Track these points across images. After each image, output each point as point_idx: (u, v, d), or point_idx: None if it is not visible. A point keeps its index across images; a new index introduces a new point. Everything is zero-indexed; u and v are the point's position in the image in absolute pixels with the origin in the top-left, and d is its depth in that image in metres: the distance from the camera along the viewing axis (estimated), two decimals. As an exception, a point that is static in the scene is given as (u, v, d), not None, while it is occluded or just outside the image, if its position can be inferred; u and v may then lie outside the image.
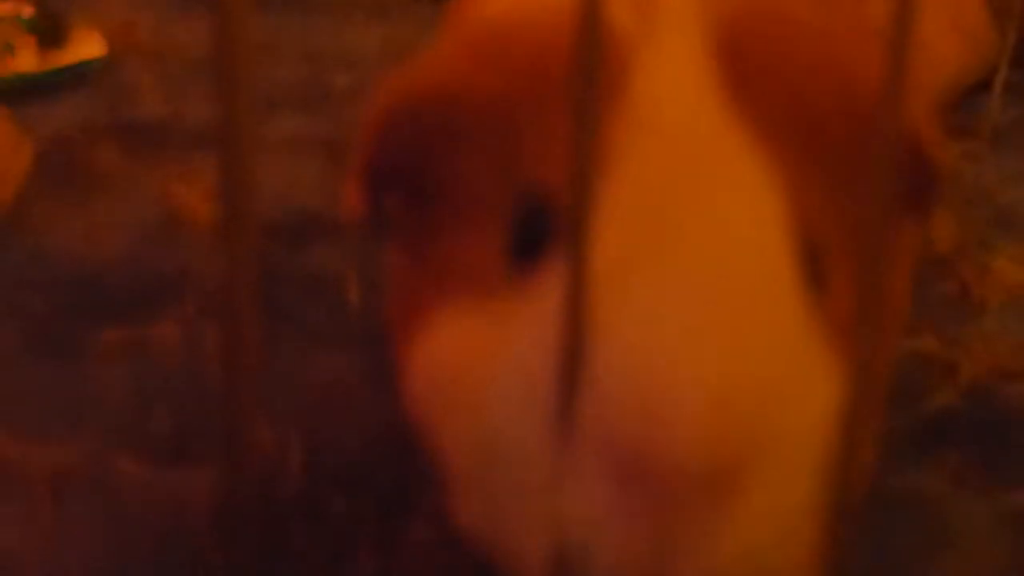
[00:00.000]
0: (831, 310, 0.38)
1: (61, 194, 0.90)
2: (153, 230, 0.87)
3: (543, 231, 0.37)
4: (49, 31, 1.16)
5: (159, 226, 0.88)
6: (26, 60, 1.13)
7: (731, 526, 0.33)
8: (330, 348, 0.74)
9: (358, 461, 0.64)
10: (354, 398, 0.69)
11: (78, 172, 0.94)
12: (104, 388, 0.68)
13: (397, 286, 0.48)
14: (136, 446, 0.64)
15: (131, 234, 0.86)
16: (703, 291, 0.34)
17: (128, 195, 0.91)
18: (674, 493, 0.32)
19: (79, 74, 1.14)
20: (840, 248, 0.40)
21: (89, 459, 0.62)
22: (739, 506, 0.33)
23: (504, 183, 0.41)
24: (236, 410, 0.24)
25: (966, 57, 1.14)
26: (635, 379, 0.32)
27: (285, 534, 0.57)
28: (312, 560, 0.57)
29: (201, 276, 0.79)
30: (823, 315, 0.38)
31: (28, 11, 1.18)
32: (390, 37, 1.29)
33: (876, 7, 0.65)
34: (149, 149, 0.99)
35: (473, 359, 0.39)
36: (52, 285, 0.79)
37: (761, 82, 0.39)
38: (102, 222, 0.87)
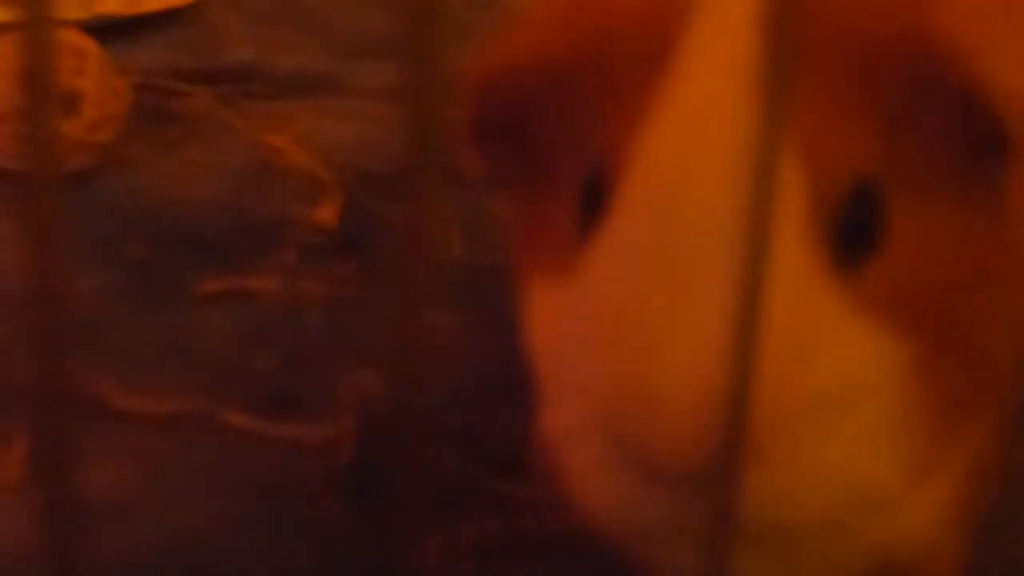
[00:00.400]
0: (889, 267, 0.38)
1: (155, 138, 0.89)
2: (247, 176, 0.87)
3: (600, 198, 0.39)
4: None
5: (253, 172, 0.87)
6: (112, 3, 1.12)
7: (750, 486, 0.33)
8: (432, 301, 0.72)
9: (470, 416, 0.63)
10: (461, 354, 0.68)
11: (170, 116, 0.93)
12: (207, 337, 0.69)
13: (516, 237, 0.48)
14: (241, 396, 0.64)
15: (226, 180, 0.85)
16: (695, 288, 0.34)
17: (220, 140, 0.91)
18: (678, 478, 0.33)
19: (168, 20, 1.13)
20: (910, 202, 0.39)
21: (196, 409, 0.63)
22: (753, 476, 0.33)
23: (580, 149, 0.42)
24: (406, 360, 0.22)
25: None
26: (622, 381, 0.33)
27: (384, 484, 0.59)
28: (423, 513, 0.56)
29: (297, 223, 0.79)
30: (871, 278, 0.37)
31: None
32: None
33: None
34: (238, 94, 0.98)
35: (556, 321, 0.40)
36: (152, 231, 0.79)
37: (826, 27, 0.38)
38: (197, 167, 0.86)
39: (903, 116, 0.38)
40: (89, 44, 0.82)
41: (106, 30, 1.06)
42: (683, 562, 0.39)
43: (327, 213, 0.81)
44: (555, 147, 0.43)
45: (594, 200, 0.39)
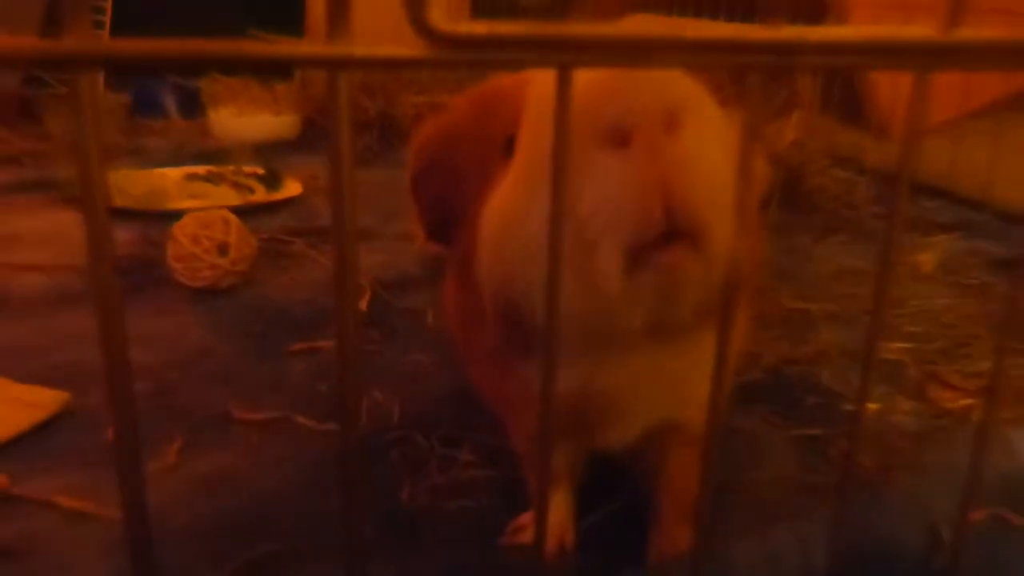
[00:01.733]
0: None
1: (273, 267, 1.06)
2: (321, 285, 1.01)
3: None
4: (271, 180, 1.37)
5: (324, 284, 1.01)
6: (259, 196, 1.34)
7: (686, 145, 0.36)
8: (416, 349, 0.84)
9: (432, 413, 0.72)
10: (429, 377, 0.79)
11: (282, 255, 1.11)
12: (292, 375, 0.79)
13: (451, 284, 0.51)
14: (309, 409, 0.72)
15: (311, 289, 1.00)
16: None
17: (308, 269, 1.07)
18: (644, 131, 0.35)
19: (287, 204, 1.34)
20: None
21: (281, 417, 0.71)
22: (687, 135, 0.36)
23: (498, 145, 0.44)
24: (347, 386, 0.29)
25: (759, 185, 1.29)
26: (600, 82, 0.36)
27: (388, 456, 0.66)
28: (402, 471, 0.64)
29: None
30: None
31: (260, 170, 1.40)
32: None
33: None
34: (321, 242, 1.15)
35: (503, 208, 0.41)
36: (268, 317, 0.92)
37: None
38: (295, 282, 1.01)
39: None
40: (232, 217, 0.97)
41: (255, 209, 1.27)
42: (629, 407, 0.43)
43: (363, 303, 0.95)
44: (474, 164, 0.46)
45: (510, 147, 0.42)
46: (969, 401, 0.77)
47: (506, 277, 0.42)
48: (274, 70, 2.09)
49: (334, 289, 0.32)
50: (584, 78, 0.33)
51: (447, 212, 0.49)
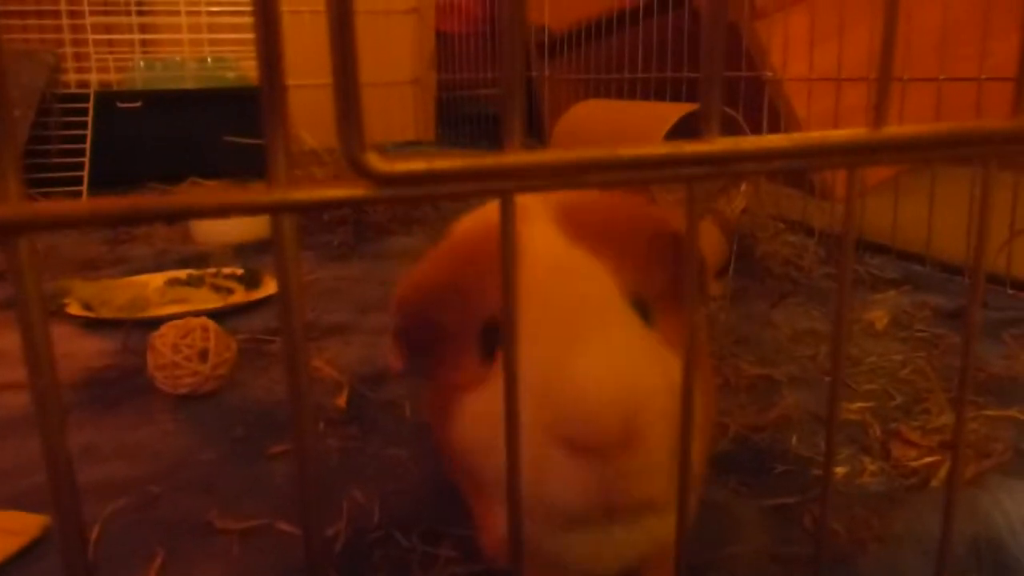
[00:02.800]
0: (661, 333, 0.43)
1: (253, 368, 1.04)
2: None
3: (496, 339, 0.43)
4: (250, 280, 1.36)
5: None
6: (238, 296, 1.32)
7: (637, 460, 0.37)
8: (395, 443, 0.82)
9: (413, 509, 0.70)
10: (409, 472, 0.76)
11: (262, 355, 1.08)
12: (273, 478, 0.76)
13: (425, 394, 0.52)
14: (290, 513, 0.69)
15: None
16: (587, 336, 0.38)
17: None
18: (601, 450, 0.36)
19: (266, 303, 1.32)
20: (655, 299, 0.45)
21: (263, 525, 0.68)
22: (640, 451, 0.37)
23: (472, 320, 0.45)
24: (308, 496, 0.31)
25: (716, 256, 1.30)
26: (565, 393, 0.36)
27: (371, 558, 0.63)
28: (385, 573, 0.61)
29: (326, 411, 0.89)
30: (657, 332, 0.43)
31: (239, 271, 1.39)
32: None
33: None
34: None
35: (477, 420, 0.43)
36: (249, 419, 0.89)
37: (587, 227, 0.44)
38: (275, 383, 0.98)
39: (651, 264, 0.45)
40: (211, 323, 0.95)
41: (235, 310, 1.25)
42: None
43: (341, 400, 0.92)
44: (455, 326, 0.46)
45: (489, 342, 0.43)
46: (932, 458, 0.75)
47: (479, 481, 0.44)
48: (251, 173, 2.08)
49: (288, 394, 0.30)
50: (549, 373, 0.36)
51: (426, 356, 0.50)
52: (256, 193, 0.28)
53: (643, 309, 0.44)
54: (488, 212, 0.50)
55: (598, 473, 0.37)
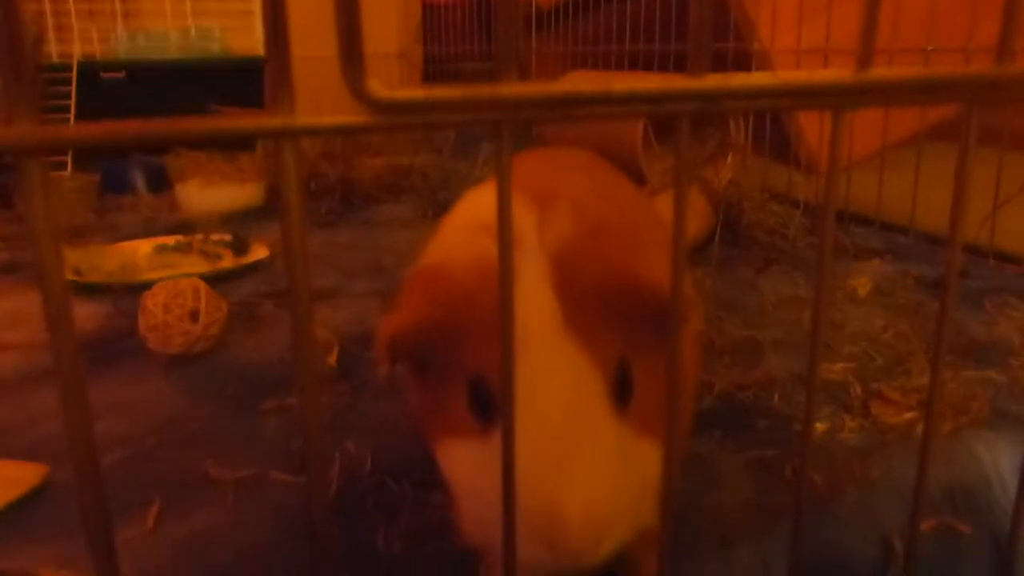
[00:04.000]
0: (640, 402, 0.43)
1: (243, 330, 1.05)
2: (291, 345, 0.99)
3: (485, 396, 0.43)
4: (238, 246, 1.36)
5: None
6: (227, 262, 1.32)
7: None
8: (386, 399, 0.84)
9: (404, 459, 0.71)
10: (399, 425, 0.78)
11: (251, 318, 1.10)
12: (265, 433, 0.78)
13: (415, 408, 0.52)
14: (283, 464, 0.71)
15: (280, 348, 0.98)
16: (571, 452, 0.39)
17: (278, 329, 1.06)
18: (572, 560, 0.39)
19: (255, 268, 1.33)
20: (642, 355, 0.44)
21: (257, 474, 0.70)
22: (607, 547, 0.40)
23: (461, 366, 0.44)
24: (311, 438, 0.32)
25: (702, 224, 1.30)
26: (545, 519, 0.38)
27: (363, 504, 0.65)
28: (377, 518, 0.63)
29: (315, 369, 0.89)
30: (634, 411, 0.43)
31: (227, 237, 1.39)
32: (411, 238, 1.47)
33: (660, 205, 0.76)
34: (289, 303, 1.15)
35: (469, 474, 0.44)
36: (239, 378, 0.90)
37: (580, 284, 0.43)
38: (265, 343, 1.00)
39: (631, 324, 0.44)
40: (202, 283, 0.96)
41: (224, 276, 1.26)
42: None
43: (332, 358, 0.94)
44: (441, 368, 0.46)
45: (477, 393, 0.43)
46: (911, 415, 0.77)
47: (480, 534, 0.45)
48: (236, 143, 2.08)
49: (293, 348, 0.31)
50: (532, 490, 0.38)
51: (415, 390, 0.50)
52: (262, 119, 0.30)
53: (625, 375, 0.44)
54: (478, 222, 0.48)
55: (568, 563, 0.40)
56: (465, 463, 0.44)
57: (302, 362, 0.32)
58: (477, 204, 0.55)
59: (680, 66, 1.62)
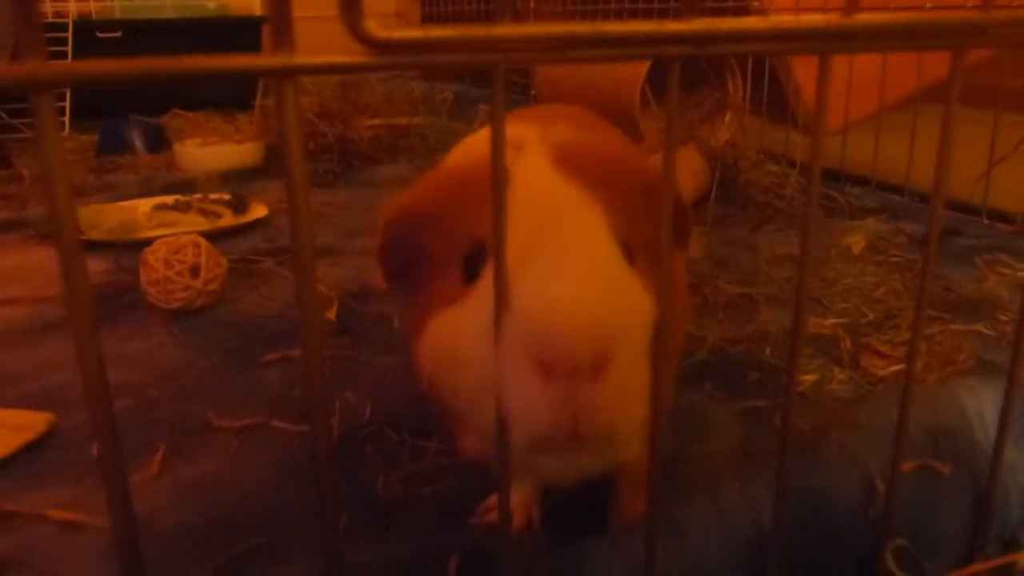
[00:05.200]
0: (639, 274, 0.43)
1: (243, 286, 1.05)
2: (291, 300, 0.99)
3: (480, 262, 0.43)
4: (237, 205, 1.37)
5: (293, 298, 0.95)
6: (226, 220, 1.33)
7: (606, 388, 0.37)
8: (384, 352, 0.85)
9: (402, 409, 0.72)
10: (398, 378, 0.79)
11: (251, 274, 1.10)
12: (266, 384, 0.79)
13: (405, 313, 0.53)
14: (284, 414, 0.72)
15: (280, 304, 1.00)
16: (569, 263, 0.38)
17: (277, 285, 1.07)
18: (572, 373, 0.36)
19: (254, 226, 1.34)
20: (640, 248, 0.45)
21: (258, 423, 0.71)
22: (609, 378, 0.37)
23: (457, 245, 0.45)
24: (315, 389, 0.34)
25: (698, 182, 1.31)
26: (541, 315, 0.36)
27: (363, 452, 0.66)
28: (376, 464, 0.64)
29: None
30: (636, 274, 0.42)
31: (226, 196, 1.40)
32: None
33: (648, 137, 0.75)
34: (289, 260, 1.13)
35: (451, 334, 0.43)
36: (241, 331, 0.92)
37: (582, 169, 0.44)
38: (265, 298, 1.01)
39: (640, 216, 0.45)
40: (202, 239, 0.97)
41: (223, 234, 1.26)
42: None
43: (331, 313, 0.95)
44: (438, 249, 0.47)
45: (473, 268, 0.44)
46: (899, 367, 0.78)
47: (447, 395, 0.44)
48: (233, 100, 2.06)
49: (295, 295, 0.32)
50: (529, 295, 0.36)
51: (407, 277, 0.50)
52: (262, 58, 0.30)
53: (628, 253, 0.44)
54: (478, 145, 0.49)
55: (568, 399, 0.37)
56: (455, 330, 0.43)
57: (306, 302, 0.33)
58: (472, 142, 0.57)
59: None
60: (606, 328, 0.37)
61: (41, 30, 0.28)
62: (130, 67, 0.29)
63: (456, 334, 0.43)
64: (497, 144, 0.33)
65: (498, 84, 0.33)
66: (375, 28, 0.30)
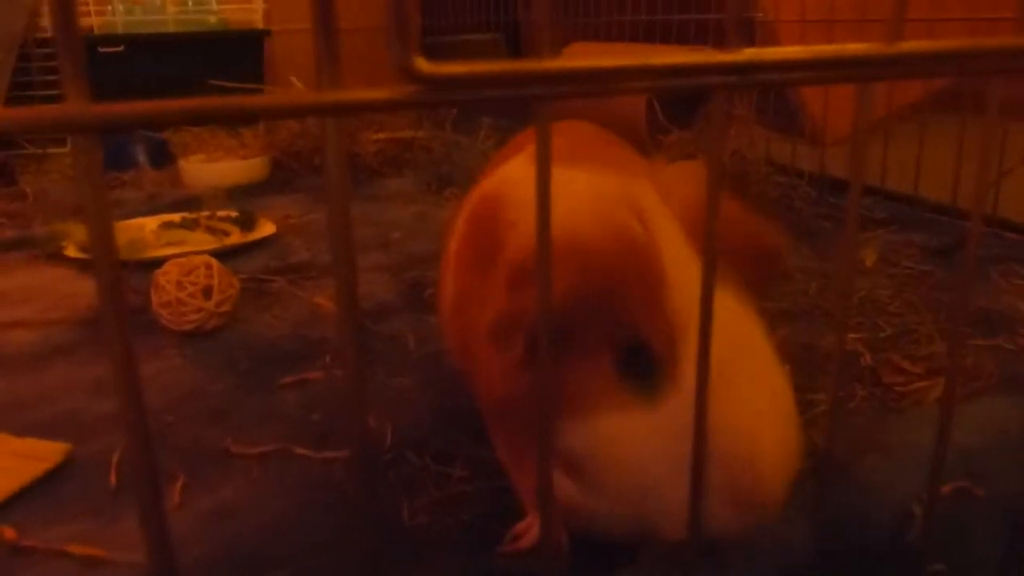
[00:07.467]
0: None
1: (255, 305, 1.05)
2: (304, 320, 1.00)
3: (642, 359, 0.42)
4: (245, 222, 1.36)
5: (307, 318, 1.01)
6: (235, 238, 1.32)
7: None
8: (400, 373, 0.84)
9: (422, 433, 0.72)
10: (416, 400, 0.79)
11: (263, 293, 1.10)
12: (285, 408, 0.78)
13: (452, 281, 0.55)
14: (304, 439, 0.71)
15: (293, 323, 0.99)
16: (762, 398, 0.40)
17: (290, 304, 1.06)
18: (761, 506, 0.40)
19: (264, 244, 1.33)
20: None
21: (279, 449, 0.70)
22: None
23: (602, 327, 0.43)
24: (355, 413, 0.30)
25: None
26: (748, 466, 0.39)
27: (385, 478, 0.65)
28: (400, 491, 0.63)
29: (331, 344, 0.91)
30: None
31: (233, 213, 1.39)
32: (417, 212, 1.51)
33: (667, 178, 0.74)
34: (300, 279, 1.16)
35: (625, 441, 0.42)
36: (254, 353, 0.91)
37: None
38: (278, 318, 1.00)
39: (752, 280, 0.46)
40: (213, 260, 0.96)
41: (231, 252, 1.26)
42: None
43: None
44: (579, 337, 0.44)
45: (633, 364, 0.43)
46: (921, 384, 0.78)
47: (598, 489, 0.44)
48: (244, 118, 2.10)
49: (336, 321, 0.32)
50: (732, 440, 0.39)
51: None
52: (305, 96, 0.30)
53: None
54: (582, 203, 0.45)
55: (749, 517, 0.40)
56: (619, 437, 0.42)
57: (345, 335, 0.32)
58: (572, 180, 0.50)
59: (681, 36, 1.61)
60: (795, 465, 0.41)
61: (84, 69, 0.28)
62: (182, 107, 0.28)
63: (638, 446, 0.42)
64: (542, 183, 0.33)
65: (544, 120, 0.32)
66: (424, 65, 0.30)
